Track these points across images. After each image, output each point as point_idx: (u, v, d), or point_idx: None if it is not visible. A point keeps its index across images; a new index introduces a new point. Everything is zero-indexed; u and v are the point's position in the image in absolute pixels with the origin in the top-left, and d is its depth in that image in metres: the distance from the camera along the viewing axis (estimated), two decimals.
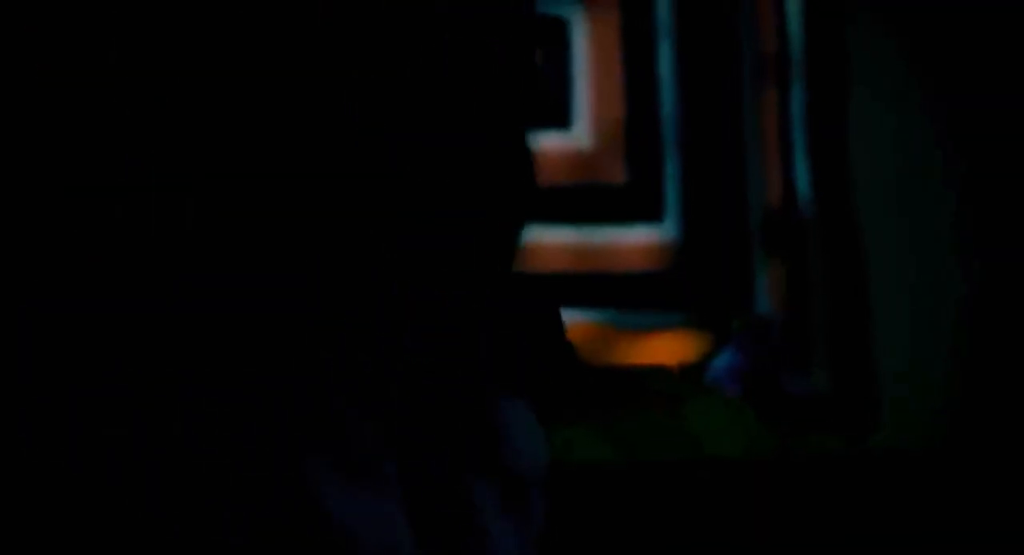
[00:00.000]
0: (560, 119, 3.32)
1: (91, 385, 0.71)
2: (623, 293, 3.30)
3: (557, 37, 3.33)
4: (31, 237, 0.71)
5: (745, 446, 2.46)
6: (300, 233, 0.74)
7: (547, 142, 3.28)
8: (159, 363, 0.72)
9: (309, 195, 0.74)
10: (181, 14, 0.72)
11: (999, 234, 3.32)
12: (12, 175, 0.71)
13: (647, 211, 3.33)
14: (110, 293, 0.72)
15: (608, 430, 2.34)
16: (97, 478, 0.70)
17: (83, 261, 0.71)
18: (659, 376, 2.61)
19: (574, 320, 3.24)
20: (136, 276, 0.71)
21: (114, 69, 0.72)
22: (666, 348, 3.24)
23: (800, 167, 3.36)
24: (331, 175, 0.75)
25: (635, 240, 3.33)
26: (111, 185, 0.72)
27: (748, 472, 2.37)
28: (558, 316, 0.97)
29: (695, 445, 2.41)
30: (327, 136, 0.75)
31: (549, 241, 3.29)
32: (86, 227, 0.71)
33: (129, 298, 0.71)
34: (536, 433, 0.90)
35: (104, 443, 0.70)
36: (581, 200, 3.31)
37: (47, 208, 0.71)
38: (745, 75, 3.37)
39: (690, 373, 3.13)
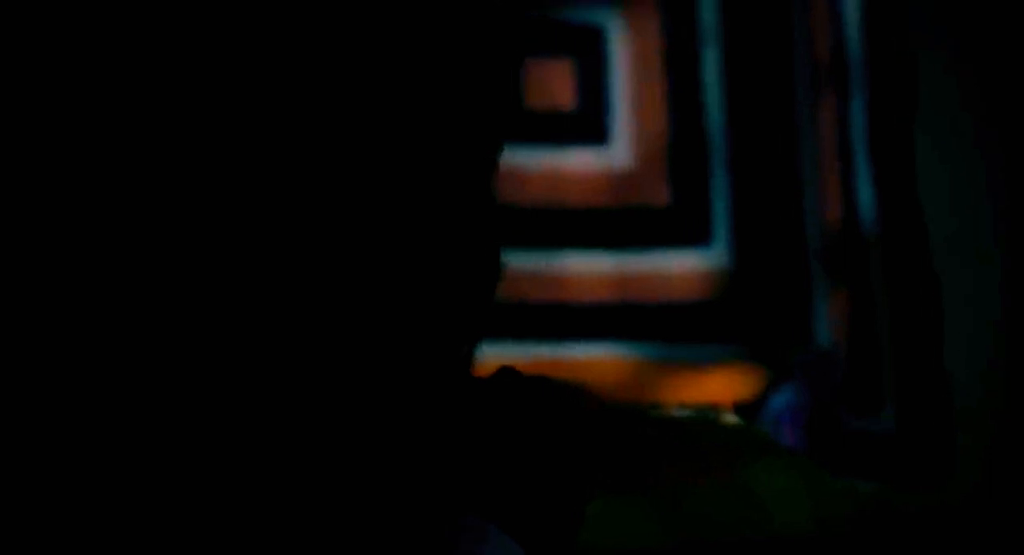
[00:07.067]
0: (596, 136, 3.15)
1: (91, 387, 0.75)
2: (669, 325, 3.14)
3: (592, 47, 3.17)
4: (30, 237, 0.75)
5: (817, 516, 2.21)
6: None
7: (582, 161, 3.13)
8: (158, 369, 0.75)
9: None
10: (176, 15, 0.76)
11: None
12: (11, 175, 0.75)
13: (694, 235, 3.16)
14: (108, 295, 0.75)
15: (654, 503, 2.08)
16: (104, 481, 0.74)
17: (81, 261, 0.75)
18: (710, 427, 2.37)
19: (614, 355, 3.11)
20: (135, 277, 0.75)
21: (112, 69, 0.76)
22: (718, 385, 3.10)
23: (862, 182, 3.18)
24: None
25: (681, 267, 3.15)
26: (109, 184, 0.75)
27: (825, 550, 2.13)
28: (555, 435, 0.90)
29: (762, 517, 2.16)
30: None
31: (585, 269, 3.13)
32: (84, 227, 0.75)
33: (126, 301, 0.75)
34: None
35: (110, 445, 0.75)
36: (621, 224, 3.14)
37: (46, 207, 0.75)
38: (799, 83, 3.19)
39: (746, 413, 2.98)
